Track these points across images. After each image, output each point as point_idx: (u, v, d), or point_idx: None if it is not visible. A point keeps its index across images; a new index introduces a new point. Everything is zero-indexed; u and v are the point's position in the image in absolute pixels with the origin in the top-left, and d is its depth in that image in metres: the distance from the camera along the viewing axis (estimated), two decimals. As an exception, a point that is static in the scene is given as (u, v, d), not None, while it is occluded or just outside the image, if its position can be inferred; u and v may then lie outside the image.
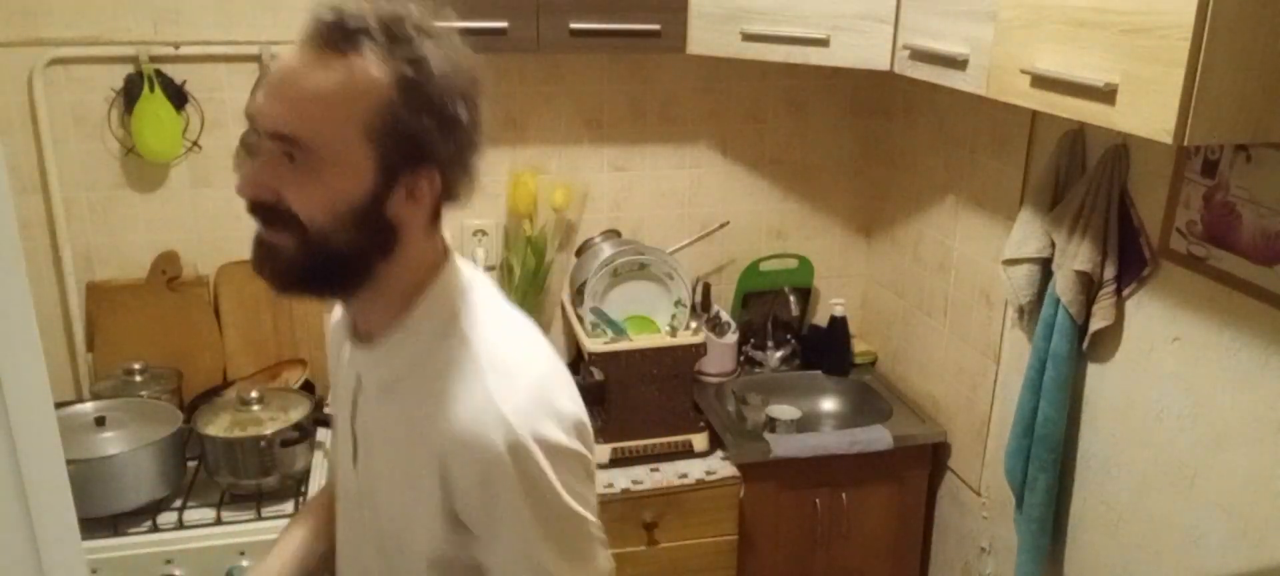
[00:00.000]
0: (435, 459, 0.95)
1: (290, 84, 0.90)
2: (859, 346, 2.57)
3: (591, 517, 0.98)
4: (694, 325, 2.18)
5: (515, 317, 1.04)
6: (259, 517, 1.83)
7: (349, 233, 0.92)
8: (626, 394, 2.10)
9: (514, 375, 0.95)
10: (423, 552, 1.00)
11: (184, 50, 2.10)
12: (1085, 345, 1.76)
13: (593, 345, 2.07)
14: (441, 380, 0.95)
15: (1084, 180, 1.72)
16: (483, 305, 1.01)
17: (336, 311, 1.16)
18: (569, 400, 0.98)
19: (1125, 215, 1.68)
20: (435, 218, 0.99)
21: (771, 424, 2.33)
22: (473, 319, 0.99)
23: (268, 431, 1.85)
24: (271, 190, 0.91)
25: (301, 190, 0.91)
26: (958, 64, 1.64)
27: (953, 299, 2.25)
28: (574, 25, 2.00)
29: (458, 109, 0.92)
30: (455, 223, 2.32)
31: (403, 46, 0.89)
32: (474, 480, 0.93)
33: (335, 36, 0.89)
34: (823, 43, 1.90)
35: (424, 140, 0.91)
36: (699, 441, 2.16)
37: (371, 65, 0.88)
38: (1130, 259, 1.67)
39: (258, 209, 0.94)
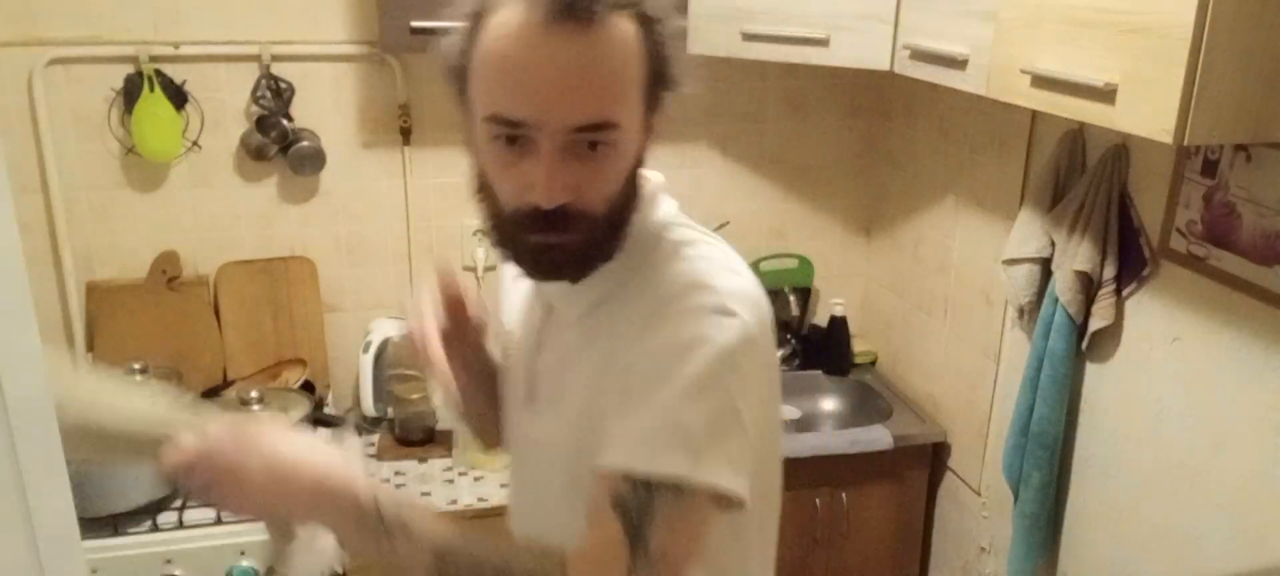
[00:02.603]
0: (625, 349, 0.90)
1: (579, 69, 0.83)
2: (859, 346, 2.57)
3: (747, 424, 0.87)
4: (694, 325, 2.17)
5: (710, 237, 1.01)
6: (259, 517, 1.83)
7: (626, 194, 0.92)
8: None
9: (723, 287, 0.91)
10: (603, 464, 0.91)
11: (184, 50, 2.10)
12: (1085, 345, 1.76)
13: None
14: (652, 298, 0.92)
15: (1084, 180, 1.72)
16: (688, 229, 0.99)
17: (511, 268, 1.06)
18: (756, 305, 0.93)
19: (1125, 215, 1.68)
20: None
21: (771, 424, 2.32)
22: (680, 240, 0.97)
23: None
24: (575, 190, 0.86)
25: (601, 177, 0.88)
26: (958, 64, 1.64)
27: (953, 299, 2.25)
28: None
29: (673, 32, 0.91)
30: (456, 223, 2.32)
31: None
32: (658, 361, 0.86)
33: (581, 7, 0.82)
34: (823, 43, 1.90)
35: (665, 78, 0.91)
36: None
37: (620, 22, 0.85)
38: (1130, 259, 1.67)
39: (544, 216, 0.87)
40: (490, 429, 1.21)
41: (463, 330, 1.10)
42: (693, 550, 0.86)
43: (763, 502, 1.03)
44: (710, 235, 1.00)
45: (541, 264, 0.92)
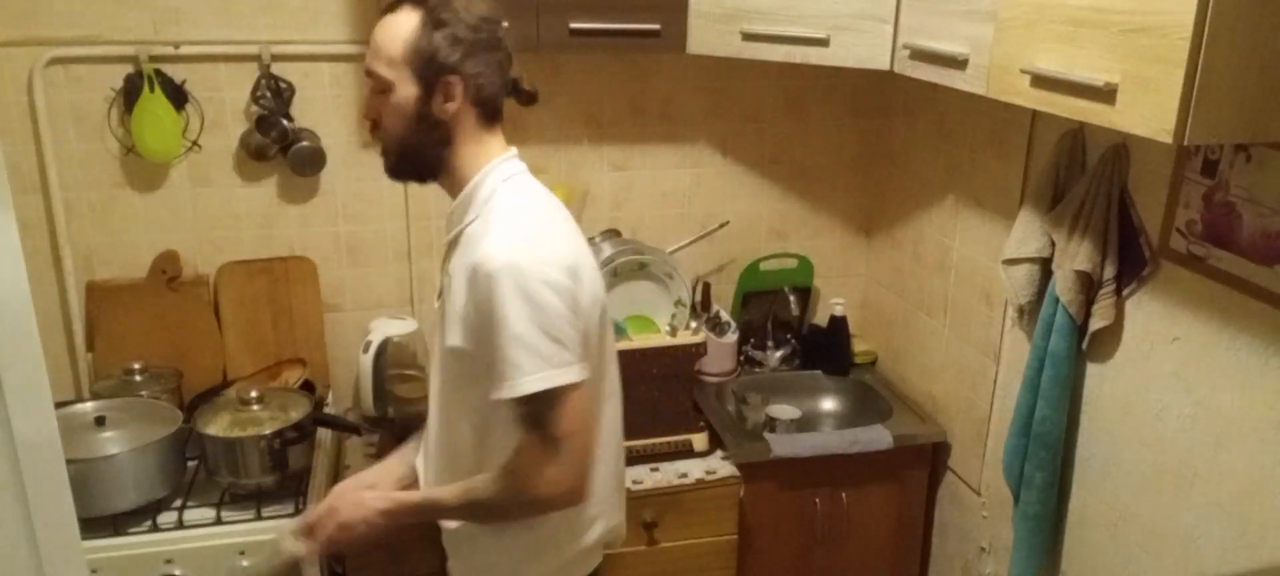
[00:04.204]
0: (467, 276, 1.32)
1: (373, 38, 1.37)
2: (859, 346, 2.57)
3: (542, 334, 1.29)
4: (694, 325, 2.18)
5: (542, 196, 1.43)
6: (259, 517, 1.83)
7: (414, 132, 1.38)
8: (626, 393, 2.07)
9: (524, 225, 1.35)
10: (460, 349, 1.36)
11: (184, 50, 2.10)
12: (1085, 345, 1.76)
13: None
14: (482, 229, 1.35)
15: (1084, 180, 1.72)
16: (519, 186, 1.41)
17: None
18: (563, 247, 1.36)
19: (1125, 215, 1.68)
20: (483, 118, 1.40)
21: (771, 424, 2.33)
22: (510, 194, 1.39)
23: (268, 431, 1.85)
24: (375, 113, 1.39)
25: (383, 112, 1.38)
26: (958, 64, 1.64)
27: (953, 299, 2.25)
28: (574, 25, 2.00)
29: (462, 30, 1.34)
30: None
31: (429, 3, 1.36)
32: (479, 288, 1.30)
33: (387, 3, 1.39)
34: (823, 43, 1.90)
35: (441, 55, 1.33)
36: (699, 441, 2.16)
37: (404, 15, 1.36)
38: (1130, 259, 1.67)
39: (373, 129, 1.42)
40: None
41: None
42: (584, 421, 1.36)
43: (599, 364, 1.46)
44: (540, 198, 1.43)
45: (384, 163, 1.44)
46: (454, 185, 1.42)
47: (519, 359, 1.28)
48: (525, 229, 1.35)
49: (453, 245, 1.43)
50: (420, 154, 1.40)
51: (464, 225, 1.40)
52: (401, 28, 1.34)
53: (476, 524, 1.47)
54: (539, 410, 1.31)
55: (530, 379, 1.28)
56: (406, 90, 1.35)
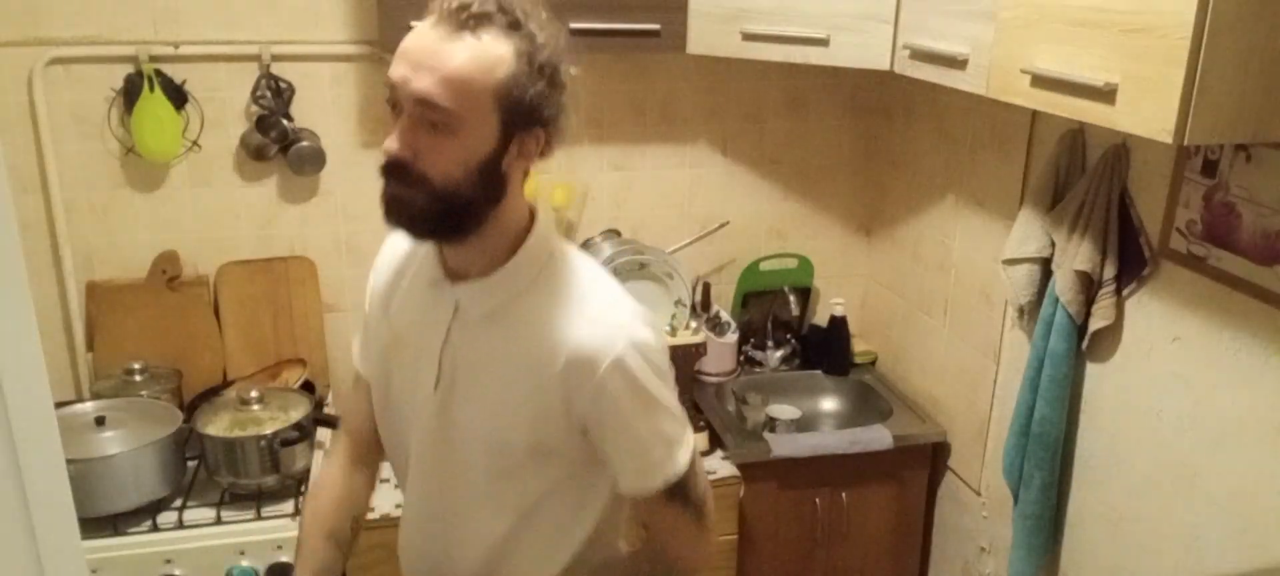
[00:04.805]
0: (550, 365, 1.13)
1: (437, 54, 1.04)
2: (859, 346, 2.57)
3: (676, 402, 1.20)
4: (694, 325, 2.18)
5: (588, 258, 1.25)
6: (259, 517, 1.83)
7: (472, 187, 1.09)
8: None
9: (612, 295, 1.18)
10: (523, 443, 1.17)
11: (184, 50, 2.10)
12: (1085, 345, 1.76)
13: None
14: (553, 303, 1.15)
15: (1084, 180, 1.72)
16: (569, 247, 1.23)
17: (389, 258, 1.33)
18: (646, 313, 1.20)
19: (1125, 215, 1.68)
20: (527, 171, 1.16)
21: (771, 424, 2.33)
22: (567, 256, 1.20)
23: (268, 431, 1.85)
24: (412, 150, 1.07)
25: (436, 151, 1.07)
26: (958, 64, 1.64)
27: (953, 299, 2.25)
28: (574, 25, 1.97)
29: (560, 75, 1.10)
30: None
31: (517, 24, 1.07)
32: (593, 381, 1.12)
33: (463, 17, 1.05)
34: (823, 42, 1.90)
35: (537, 104, 1.08)
36: (699, 441, 2.16)
37: (495, 41, 1.06)
38: (1130, 259, 1.67)
39: (391, 165, 1.08)
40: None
41: None
42: (706, 481, 1.25)
43: None
44: (581, 252, 1.24)
45: (388, 210, 1.11)
46: (494, 247, 1.16)
47: (673, 434, 1.18)
48: (620, 297, 1.18)
49: (490, 318, 1.17)
50: (470, 211, 1.10)
51: (508, 297, 1.16)
52: (491, 57, 1.04)
53: None
54: (686, 481, 1.20)
55: (684, 452, 1.19)
56: (484, 135, 1.07)
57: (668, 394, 1.18)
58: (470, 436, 1.20)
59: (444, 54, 1.04)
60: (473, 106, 1.05)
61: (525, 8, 1.08)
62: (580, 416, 1.15)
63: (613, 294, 1.18)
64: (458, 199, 1.08)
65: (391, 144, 1.07)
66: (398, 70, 1.06)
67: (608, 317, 1.14)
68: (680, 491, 1.19)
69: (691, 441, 1.21)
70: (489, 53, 1.04)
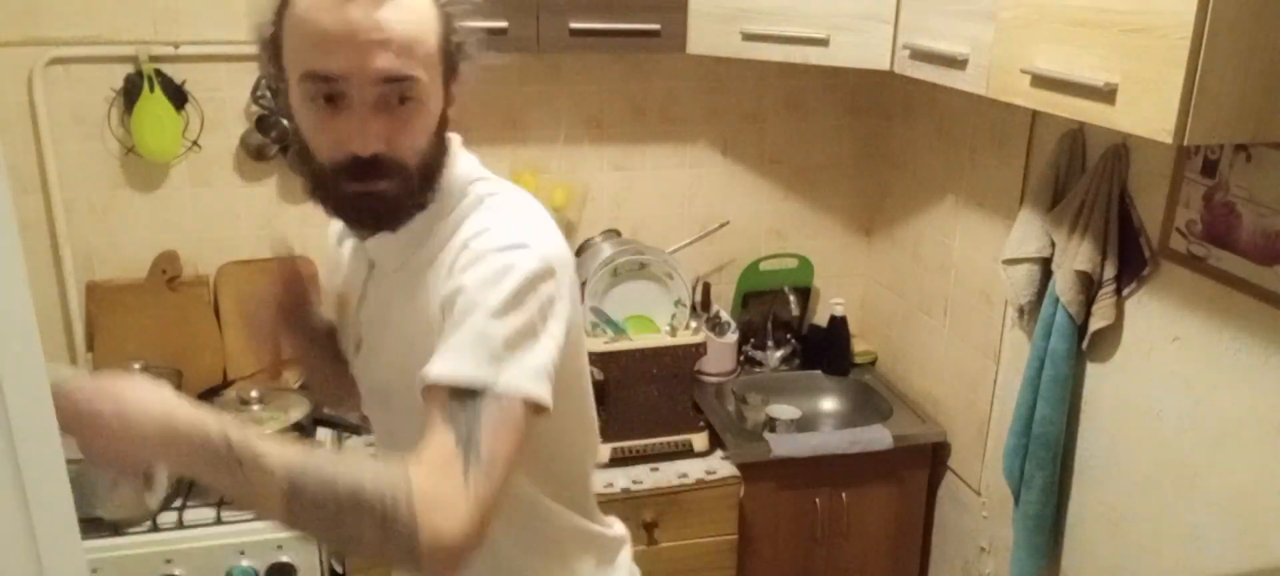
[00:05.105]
0: (437, 287, 1.02)
1: (382, 27, 0.95)
2: (859, 346, 2.57)
3: (541, 337, 0.99)
4: (694, 325, 2.18)
5: (508, 187, 1.13)
6: (259, 517, 1.82)
7: (434, 150, 1.04)
8: (626, 393, 2.10)
9: (508, 212, 1.07)
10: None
11: (184, 50, 2.10)
12: (1085, 345, 1.76)
13: (592, 344, 2.07)
14: (456, 240, 1.04)
15: (1084, 180, 1.72)
16: (501, 184, 1.12)
17: (337, 227, 1.23)
18: (552, 239, 1.05)
19: (1125, 215, 1.68)
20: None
21: (771, 423, 2.33)
22: (494, 193, 1.09)
23: (268, 431, 1.85)
24: (386, 140, 0.98)
25: (409, 129, 0.99)
26: (958, 64, 1.64)
27: (953, 299, 2.25)
28: (574, 25, 2.00)
29: (466, 8, 1.05)
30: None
31: None
32: (456, 260, 1.01)
33: None
34: (823, 43, 1.90)
35: (458, 47, 1.04)
36: (699, 441, 2.16)
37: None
38: (1130, 259, 1.67)
39: (361, 164, 0.99)
40: (334, 389, 1.35)
41: (301, 303, 1.25)
42: (515, 451, 0.95)
43: (578, 403, 1.18)
44: (509, 186, 1.13)
45: (362, 213, 1.03)
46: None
47: (472, 343, 0.98)
48: (537, 220, 1.08)
49: (401, 265, 1.09)
50: (433, 182, 1.05)
51: (417, 241, 1.07)
52: (419, 8, 0.99)
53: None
54: (469, 415, 0.99)
55: (471, 368, 0.98)
56: (436, 87, 1.02)
57: (533, 313, 0.98)
58: (390, 394, 1.13)
59: (383, 22, 0.95)
60: (430, 66, 1.00)
61: None
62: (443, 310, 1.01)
63: (518, 211, 1.07)
64: (426, 172, 1.03)
65: (358, 142, 0.97)
66: (336, 60, 0.95)
67: (493, 225, 1.03)
68: (458, 418, 0.92)
69: (528, 393, 0.95)
70: (418, 6, 0.99)
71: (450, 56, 1.03)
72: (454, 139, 1.10)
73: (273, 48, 1.03)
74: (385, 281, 1.12)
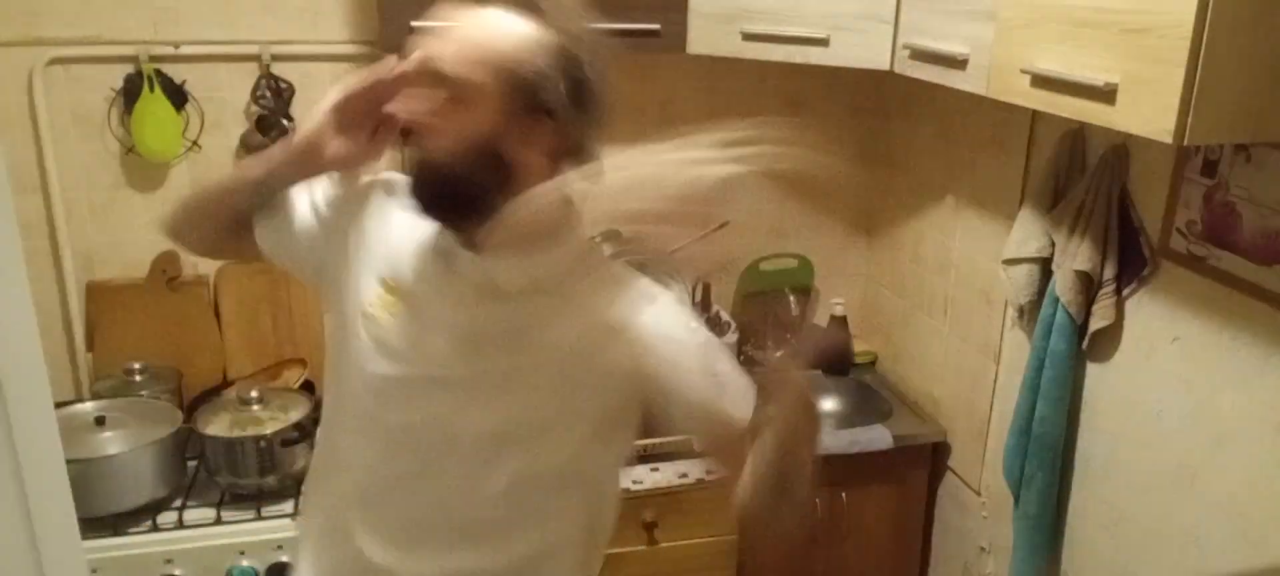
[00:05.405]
0: (622, 357, 1.16)
1: (461, 30, 1.09)
2: (859, 346, 2.57)
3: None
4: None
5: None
6: (259, 517, 1.83)
7: (479, 167, 1.08)
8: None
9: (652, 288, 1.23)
10: (566, 450, 1.19)
11: (184, 50, 2.10)
12: (1085, 345, 1.76)
13: (593, 345, 2.07)
14: (602, 282, 1.22)
15: (1084, 180, 1.72)
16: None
17: (381, 199, 1.24)
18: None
19: (1125, 215, 1.68)
20: (555, 165, 1.15)
21: (771, 424, 2.32)
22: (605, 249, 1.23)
23: (268, 431, 1.85)
24: (418, 114, 1.11)
25: (441, 123, 1.08)
26: (958, 64, 1.64)
27: (953, 299, 2.25)
28: (574, 25, 1.99)
29: (583, 71, 1.14)
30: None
31: (540, 10, 1.10)
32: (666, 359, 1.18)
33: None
34: (823, 43, 1.90)
35: (541, 96, 1.10)
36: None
37: (521, 26, 1.10)
38: (1130, 259, 1.67)
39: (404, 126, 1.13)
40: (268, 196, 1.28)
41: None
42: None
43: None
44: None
45: (419, 186, 1.11)
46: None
47: (726, 389, 1.33)
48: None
49: (531, 303, 1.17)
50: (472, 186, 1.11)
51: (544, 275, 1.18)
52: (512, 36, 1.09)
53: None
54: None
55: (744, 404, 1.35)
56: (489, 112, 1.09)
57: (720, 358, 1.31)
58: (492, 419, 1.16)
59: (469, 29, 1.09)
60: (482, 88, 1.07)
61: (563, 4, 1.13)
62: (657, 390, 1.21)
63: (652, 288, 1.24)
64: (460, 179, 1.09)
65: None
66: (424, 41, 1.11)
67: (671, 306, 1.24)
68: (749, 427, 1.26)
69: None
70: (513, 34, 1.08)
71: (529, 97, 1.09)
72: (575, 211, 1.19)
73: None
74: (506, 304, 1.16)
